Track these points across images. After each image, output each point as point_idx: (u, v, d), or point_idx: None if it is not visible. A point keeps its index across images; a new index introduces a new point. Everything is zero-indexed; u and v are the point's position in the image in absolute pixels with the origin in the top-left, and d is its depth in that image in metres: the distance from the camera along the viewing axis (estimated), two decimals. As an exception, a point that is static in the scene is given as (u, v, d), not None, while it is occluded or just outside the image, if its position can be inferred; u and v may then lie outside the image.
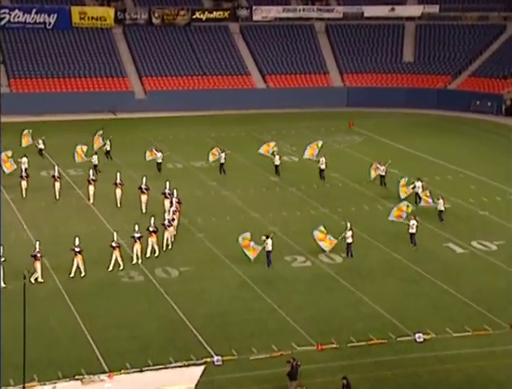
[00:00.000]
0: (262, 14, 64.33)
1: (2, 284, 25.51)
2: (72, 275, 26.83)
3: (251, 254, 28.75)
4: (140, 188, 34.06)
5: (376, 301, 25.83)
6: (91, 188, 34.97)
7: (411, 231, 30.94)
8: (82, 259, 26.94)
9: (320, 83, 61.75)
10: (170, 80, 59.43)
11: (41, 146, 42.44)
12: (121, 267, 27.68)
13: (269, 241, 28.47)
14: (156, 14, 62.14)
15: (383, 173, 38.47)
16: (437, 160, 44.41)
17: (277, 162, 40.68)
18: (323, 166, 39.51)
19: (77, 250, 26.83)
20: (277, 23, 64.82)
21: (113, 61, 59.37)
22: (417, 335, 23.45)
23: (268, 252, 28.49)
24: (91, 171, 36.07)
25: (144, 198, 33.82)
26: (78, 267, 26.96)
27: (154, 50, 60.85)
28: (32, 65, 57.73)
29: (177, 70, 60.09)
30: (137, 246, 28.22)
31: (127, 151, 43.93)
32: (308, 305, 25.63)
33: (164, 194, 33.14)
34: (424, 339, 23.34)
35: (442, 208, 33.57)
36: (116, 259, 27.56)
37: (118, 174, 35.03)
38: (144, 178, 34.44)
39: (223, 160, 40.41)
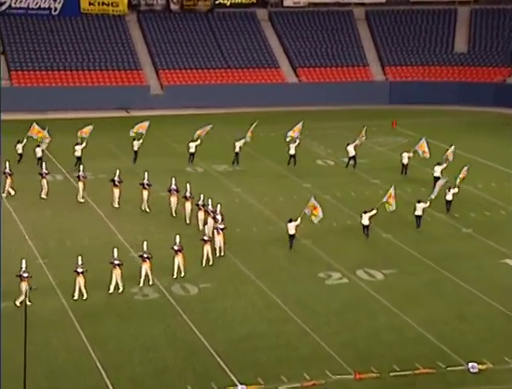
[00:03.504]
0: (294, -2, 64.54)
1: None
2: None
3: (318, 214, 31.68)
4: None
5: (423, 325, 25.69)
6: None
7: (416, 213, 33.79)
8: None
9: (359, 77, 61.67)
10: (190, 74, 59.79)
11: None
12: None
13: (291, 225, 31.10)
14: (175, 0, 62.66)
15: (406, 161, 41.00)
16: (494, 165, 44.08)
17: (292, 151, 42.17)
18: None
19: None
20: (311, 9, 64.91)
21: (126, 53, 59.93)
22: (471, 365, 23.24)
23: (291, 236, 31.15)
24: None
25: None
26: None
27: (172, 40, 61.30)
28: (36, 56, 58.49)
29: (197, 62, 60.44)
30: (178, 259, 28.77)
31: (142, 154, 44.14)
32: (344, 329, 25.59)
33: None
34: (479, 370, 23.13)
35: (450, 198, 35.38)
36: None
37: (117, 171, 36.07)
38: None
39: (238, 149, 42.03)
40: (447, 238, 33.00)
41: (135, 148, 42.58)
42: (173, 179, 35.15)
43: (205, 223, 32.61)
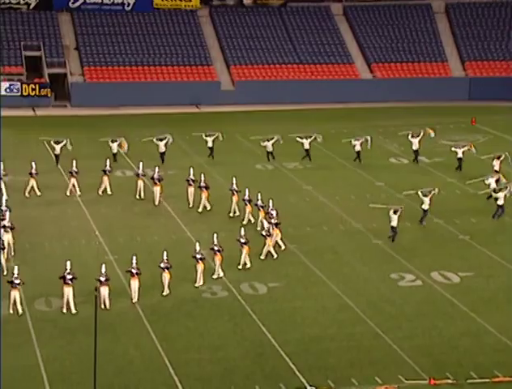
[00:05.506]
0: (370, -8, 64.06)
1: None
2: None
3: None
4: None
5: (503, 331, 25.12)
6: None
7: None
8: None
9: (437, 73, 60.77)
10: (261, 69, 59.95)
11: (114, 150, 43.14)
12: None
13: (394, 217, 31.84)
14: (247, -6, 62.97)
15: (461, 155, 40.95)
16: None
17: (358, 148, 42.62)
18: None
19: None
20: (386, 2, 64.30)
21: (197, 48, 60.49)
22: (554, 375, 22.61)
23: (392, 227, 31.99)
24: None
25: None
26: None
27: (244, 35, 61.59)
28: (108, 51, 59.58)
29: (269, 57, 60.55)
30: (244, 251, 29.26)
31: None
32: (418, 333, 25.23)
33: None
34: None
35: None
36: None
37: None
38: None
39: (307, 146, 42.59)
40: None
41: (210, 145, 43.03)
42: (202, 175, 35.29)
43: (254, 218, 32.94)
